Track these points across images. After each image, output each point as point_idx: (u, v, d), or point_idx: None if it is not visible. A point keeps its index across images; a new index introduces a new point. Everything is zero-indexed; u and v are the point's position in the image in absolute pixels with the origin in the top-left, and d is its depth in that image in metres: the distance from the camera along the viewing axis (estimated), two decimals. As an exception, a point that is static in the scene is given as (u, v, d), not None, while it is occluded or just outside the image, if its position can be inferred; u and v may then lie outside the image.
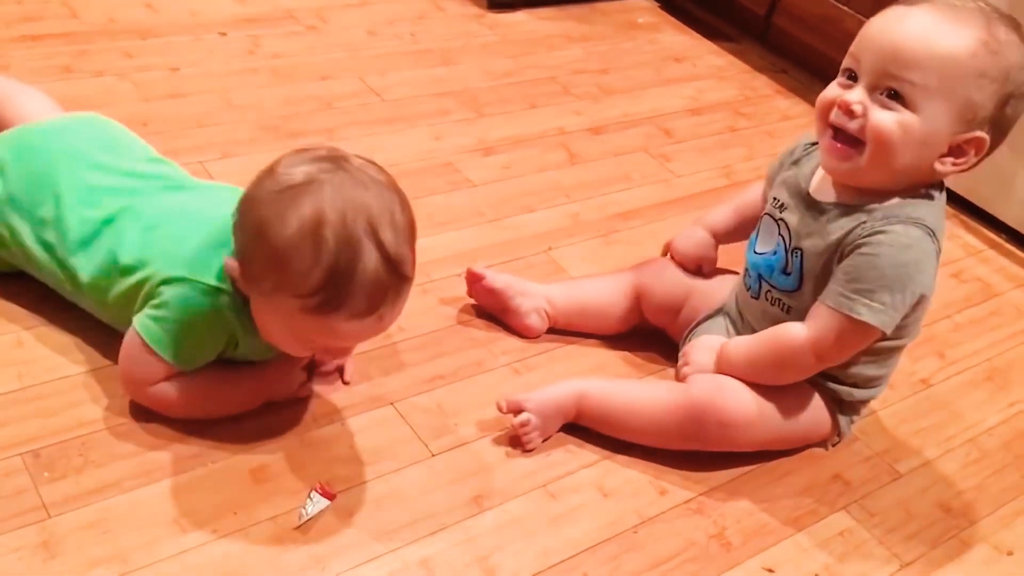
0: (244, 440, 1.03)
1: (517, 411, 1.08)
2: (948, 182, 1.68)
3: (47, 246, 1.05)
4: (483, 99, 1.75)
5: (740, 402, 1.08)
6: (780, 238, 1.10)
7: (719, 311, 1.20)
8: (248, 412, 1.05)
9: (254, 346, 1.01)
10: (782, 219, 1.10)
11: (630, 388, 1.15)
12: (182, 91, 1.56)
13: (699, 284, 1.23)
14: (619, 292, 1.26)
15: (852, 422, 1.16)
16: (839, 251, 1.03)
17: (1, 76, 1.34)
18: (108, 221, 1.04)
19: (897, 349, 1.11)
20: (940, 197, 1.05)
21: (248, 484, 0.99)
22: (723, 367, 1.10)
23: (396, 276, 0.91)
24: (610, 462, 1.10)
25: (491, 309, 1.26)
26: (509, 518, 1.02)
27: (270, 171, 0.94)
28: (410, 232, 0.94)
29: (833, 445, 1.17)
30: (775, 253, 1.10)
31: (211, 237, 0.98)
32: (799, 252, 1.07)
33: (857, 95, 0.99)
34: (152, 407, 1.02)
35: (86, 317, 1.10)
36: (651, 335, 1.27)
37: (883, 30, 0.98)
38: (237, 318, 0.98)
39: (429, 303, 1.28)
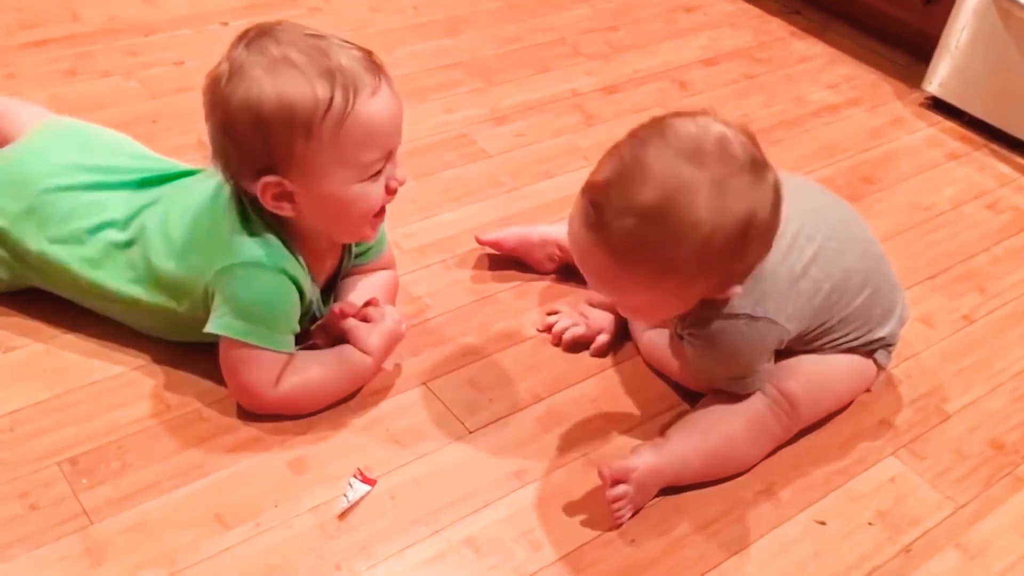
0: (280, 432, 1.02)
1: (620, 480, 0.96)
2: (975, 110, 1.66)
3: (61, 259, 1.05)
4: (492, 67, 1.72)
5: (806, 385, 1.06)
6: None
7: None
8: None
9: (311, 287, 1.03)
10: None
11: (702, 439, 1.03)
12: (189, 84, 1.54)
13: None
14: None
15: (890, 353, 1.13)
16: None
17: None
18: (129, 243, 1.03)
19: (849, 316, 1.06)
20: (763, 268, 0.97)
21: (287, 476, 0.98)
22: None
23: (360, 48, 0.97)
24: (650, 424, 1.09)
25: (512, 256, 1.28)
26: (552, 490, 1.01)
27: (212, 83, 0.94)
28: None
29: (876, 377, 1.13)
30: None
31: (225, 216, 0.98)
32: None
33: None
34: (281, 411, 1.02)
35: (108, 321, 1.09)
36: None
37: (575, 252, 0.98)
38: (292, 267, 0.99)
39: (455, 278, 1.26)
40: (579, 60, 1.78)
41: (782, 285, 0.98)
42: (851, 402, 1.13)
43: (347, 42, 0.96)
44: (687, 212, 0.86)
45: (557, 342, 1.17)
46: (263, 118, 0.92)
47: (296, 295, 1.00)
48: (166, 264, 1.01)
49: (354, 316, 1.06)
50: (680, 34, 1.91)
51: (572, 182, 1.45)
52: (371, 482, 0.98)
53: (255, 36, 0.95)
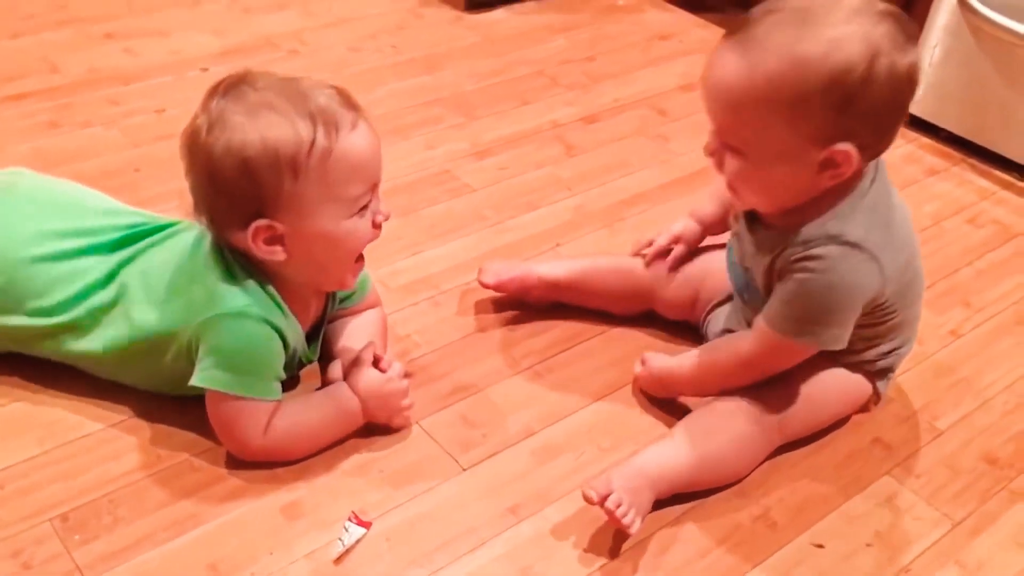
0: (272, 479, 1.01)
1: (606, 495, 0.95)
2: (952, 126, 1.68)
3: (41, 330, 1.04)
4: (472, 102, 1.73)
5: (792, 397, 1.06)
6: (739, 252, 1.09)
7: (731, 296, 1.18)
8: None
9: (296, 333, 1.03)
10: (737, 233, 1.09)
11: (697, 440, 1.04)
12: (170, 132, 1.51)
13: (709, 273, 1.20)
14: (635, 285, 1.24)
15: (888, 380, 1.14)
16: (773, 273, 1.02)
17: None
18: (113, 302, 1.03)
19: (901, 323, 1.07)
20: (867, 190, 0.98)
21: (281, 522, 0.98)
22: (672, 382, 1.10)
23: (333, 87, 0.98)
24: (644, 455, 1.08)
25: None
26: (548, 525, 1.00)
27: (192, 136, 0.95)
28: None
29: (875, 404, 1.15)
30: (739, 267, 1.10)
31: (206, 267, 0.98)
32: (749, 271, 1.07)
33: (711, 145, 0.99)
34: (273, 458, 1.02)
35: (94, 376, 1.08)
36: (663, 319, 1.26)
37: (703, 77, 0.96)
38: (273, 315, 0.99)
39: (442, 315, 1.26)
40: (558, 91, 1.79)
41: (895, 241, 0.99)
42: (845, 420, 1.13)
43: (320, 82, 0.98)
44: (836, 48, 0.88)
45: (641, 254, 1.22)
46: (249, 163, 0.92)
47: (279, 344, 1.00)
48: (149, 318, 1.01)
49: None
50: (657, 62, 1.92)
51: (556, 213, 1.46)
52: (366, 525, 0.97)
53: (230, 85, 0.95)
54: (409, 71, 1.81)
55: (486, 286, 1.25)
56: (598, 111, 1.74)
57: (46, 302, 1.03)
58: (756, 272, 1.05)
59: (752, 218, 1.05)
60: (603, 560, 0.97)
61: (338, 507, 0.99)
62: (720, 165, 0.99)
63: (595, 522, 1.00)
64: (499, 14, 2.05)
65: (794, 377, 1.06)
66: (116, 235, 1.07)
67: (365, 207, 0.98)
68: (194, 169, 0.96)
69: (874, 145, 0.95)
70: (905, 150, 1.70)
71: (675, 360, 1.12)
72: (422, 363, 1.18)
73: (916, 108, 1.72)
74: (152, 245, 1.06)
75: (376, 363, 1.07)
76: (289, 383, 1.09)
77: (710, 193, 1.23)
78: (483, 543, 0.98)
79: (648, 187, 1.54)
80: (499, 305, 1.28)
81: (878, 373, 1.11)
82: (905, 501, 1.06)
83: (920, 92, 1.69)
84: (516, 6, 2.08)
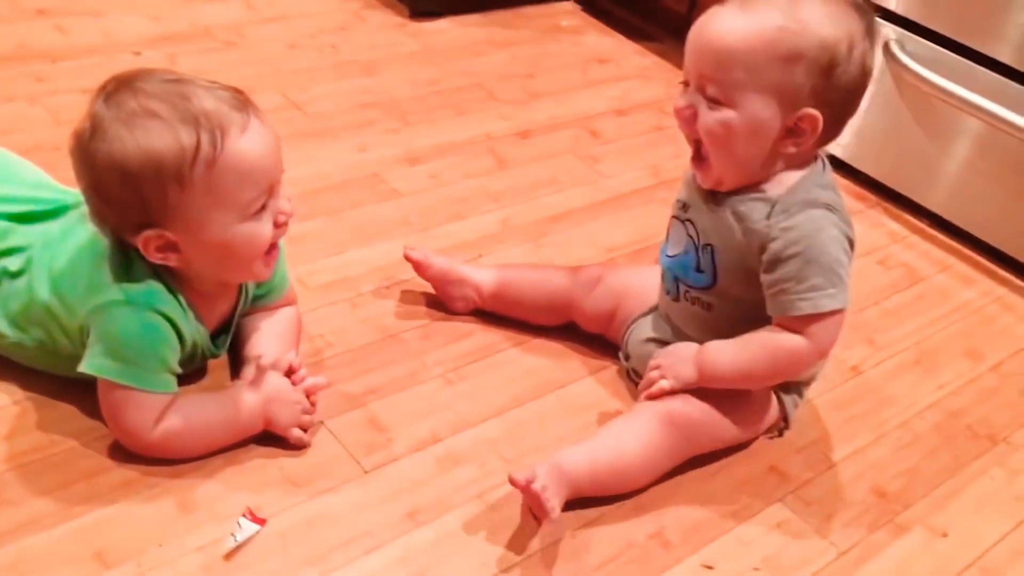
0: (167, 471, 1.00)
1: (532, 479, 0.97)
2: (870, 170, 1.73)
3: None
4: (408, 108, 1.74)
5: (704, 410, 1.09)
6: (689, 238, 1.11)
7: (653, 309, 1.20)
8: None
9: (196, 328, 1.02)
10: (688, 219, 1.11)
11: (607, 444, 1.06)
12: (96, 113, 1.52)
13: (630, 290, 1.23)
14: (553, 294, 1.26)
15: (796, 405, 1.17)
16: (752, 246, 1.04)
17: None
18: (19, 272, 1.01)
19: None
20: (822, 166, 1.07)
21: (174, 514, 0.96)
22: (708, 378, 1.08)
23: (226, 87, 0.95)
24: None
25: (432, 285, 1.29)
26: (446, 531, 1.00)
27: (76, 141, 0.93)
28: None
29: (780, 433, 1.18)
30: (686, 253, 1.11)
31: (108, 254, 0.97)
32: (709, 248, 1.09)
33: (684, 100, 1.03)
34: (163, 454, 1.00)
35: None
36: (585, 332, 1.27)
37: (694, 35, 1.02)
38: (169, 308, 0.97)
39: (359, 316, 1.26)
40: (495, 104, 1.81)
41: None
42: (746, 445, 1.16)
43: (213, 82, 0.95)
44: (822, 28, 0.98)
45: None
46: (131, 174, 0.90)
47: (173, 337, 0.98)
48: (47, 299, 0.99)
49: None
50: (594, 84, 1.95)
51: (483, 224, 1.47)
52: (261, 522, 0.96)
53: (113, 90, 0.92)
54: (347, 72, 1.81)
55: (411, 259, 1.26)
56: (532, 127, 1.76)
57: None
58: (721, 247, 1.07)
59: (707, 195, 1.08)
60: (495, 569, 0.98)
61: (233, 502, 0.98)
62: (690, 122, 1.03)
63: (492, 531, 1.01)
64: (443, 24, 2.06)
65: (712, 390, 1.09)
66: (43, 207, 1.06)
67: (262, 209, 0.96)
68: (80, 176, 0.94)
69: (833, 125, 1.03)
70: (825, 189, 1.75)
71: (699, 365, 1.08)
72: (333, 363, 1.18)
73: (838, 151, 1.78)
74: (67, 225, 1.04)
75: (289, 372, 1.06)
76: (195, 375, 1.08)
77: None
78: (379, 546, 0.97)
79: (575, 205, 1.56)
80: (417, 311, 1.28)
81: (791, 386, 1.14)
82: (795, 528, 1.09)
83: (845, 135, 1.74)
84: (460, 18, 2.09)
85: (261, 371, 1.05)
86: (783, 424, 1.18)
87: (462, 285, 1.26)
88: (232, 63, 1.74)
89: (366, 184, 1.52)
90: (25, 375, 1.06)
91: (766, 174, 1.05)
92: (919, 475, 1.18)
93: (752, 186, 1.05)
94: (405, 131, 1.67)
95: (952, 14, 1.57)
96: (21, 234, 1.04)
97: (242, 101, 0.95)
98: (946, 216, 1.66)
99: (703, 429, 1.09)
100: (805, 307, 1.02)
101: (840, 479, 1.16)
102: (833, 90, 1.00)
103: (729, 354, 1.08)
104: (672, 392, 1.08)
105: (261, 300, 1.13)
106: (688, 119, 1.03)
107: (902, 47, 1.62)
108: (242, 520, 0.95)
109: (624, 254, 1.46)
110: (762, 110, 1.00)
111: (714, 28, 1.00)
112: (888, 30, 1.64)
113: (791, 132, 1.01)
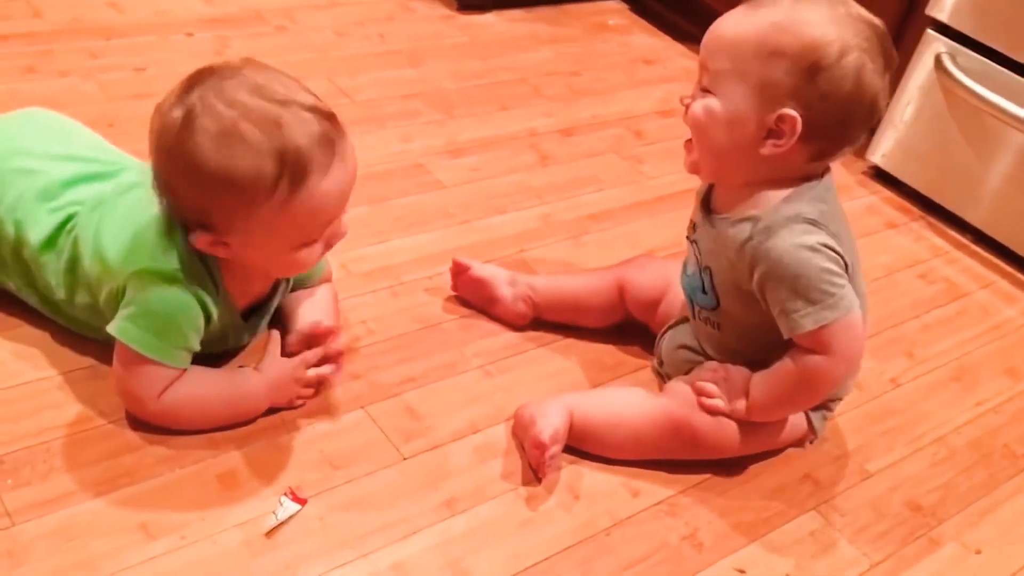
0: (212, 446, 1.02)
1: (546, 447, 1.03)
2: (913, 182, 1.73)
3: (16, 250, 1.04)
4: (453, 100, 1.75)
5: (714, 420, 1.09)
6: (695, 258, 1.12)
7: (684, 319, 1.20)
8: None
9: (227, 312, 1.03)
10: (694, 240, 1.12)
11: (608, 403, 1.13)
12: (148, 91, 1.52)
13: (676, 280, 1.23)
14: (603, 286, 1.26)
15: (825, 419, 1.17)
16: (740, 269, 1.04)
17: None
18: (65, 224, 1.03)
19: None
20: (818, 183, 1.05)
21: (217, 490, 0.98)
22: (756, 413, 1.09)
23: (322, 115, 0.93)
24: (581, 465, 1.10)
25: (477, 301, 1.27)
26: (481, 521, 1.01)
27: (161, 121, 0.93)
28: (298, 81, 0.96)
29: (811, 443, 1.18)
30: (695, 274, 1.12)
31: (157, 221, 0.97)
32: (708, 270, 1.09)
33: (688, 98, 1.05)
34: (162, 422, 1.01)
35: (47, 323, 1.08)
36: (627, 335, 1.28)
37: (709, 31, 1.04)
38: (204, 290, 0.98)
39: (400, 305, 1.27)
40: (539, 101, 1.81)
41: (844, 241, 1.03)
42: (778, 452, 1.16)
43: (307, 108, 0.92)
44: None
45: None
46: (206, 184, 0.91)
47: (200, 317, 0.98)
48: (90, 259, 1.00)
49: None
50: (639, 84, 1.95)
51: (523, 219, 1.48)
52: (302, 502, 0.97)
53: (210, 88, 0.91)
54: (393, 62, 1.82)
55: (456, 263, 1.27)
56: (576, 125, 1.76)
57: (19, 214, 1.03)
58: (716, 269, 1.08)
59: (708, 210, 1.09)
60: (531, 561, 0.98)
61: (276, 481, 0.99)
62: (686, 111, 1.04)
63: (527, 524, 1.02)
64: (490, 18, 2.07)
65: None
66: (93, 168, 1.08)
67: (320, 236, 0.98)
68: (158, 158, 0.94)
69: (819, 135, 1.00)
70: (868, 201, 1.75)
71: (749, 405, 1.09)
72: (374, 350, 1.19)
73: (883, 161, 1.77)
74: (122, 186, 1.05)
75: (325, 336, 1.08)
76: (221, 359, 1.10)
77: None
78: (415, 532, 0.99)
79: (616, 205, 1.57)
80: (457, 303, 1.29)
81: (814, 409, 1.14)
82: (828, 537, 1.09)
83: (889, 146, 1.75)
84: (507, 12, 2.10)
85: (270, 356, 1.07)
86: (812, 436, 1.17)
87: (516, 285, 1.26)
88: (282, 48, 1.76)
89: (409, 174, 1.53)
90: (75, 346, 1.08)
91: (749, 184, 1.04)
92: (954, 491, 1.18)
93: (741, 205, 1.04)
94: (449, 123, 1.68)
95: (1005, 28, 1.56)
96: (76, 193, 1.05)
97: (330, 138, 0.93)
98: (989, 232, 1.65)
99: (703, 442, 1.10)
100: (808, 324, 1.01)
101: (875, 491, 1.16)
102: (816, 94, 0.97)
103: (765, 385, 1.08)
104: (722, 413, 1.09)
105: (300, 283, 1.15)
106: (686, 109, 1.05)
107: (953, 60, 1.61)
108: (284, 499, 0.97)
109: (663, 256, 1.47)
110: (742, 101, 0.99)
111: (720, 23, 1.02)
112: (940, 43, 1.64)
113: (771, 133, 1.00)
